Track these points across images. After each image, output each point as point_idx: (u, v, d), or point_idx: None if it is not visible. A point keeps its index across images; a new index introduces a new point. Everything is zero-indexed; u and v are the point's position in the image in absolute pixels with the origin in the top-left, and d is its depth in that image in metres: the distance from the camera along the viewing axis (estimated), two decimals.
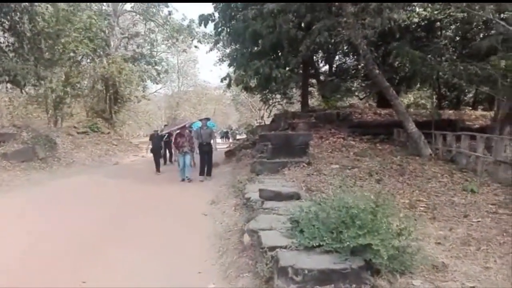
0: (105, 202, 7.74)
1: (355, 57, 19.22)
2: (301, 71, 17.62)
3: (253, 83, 15.12)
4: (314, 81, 20.54)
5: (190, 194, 8.80)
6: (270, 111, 30.94)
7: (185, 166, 10.59)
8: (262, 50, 13.48)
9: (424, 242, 4.09)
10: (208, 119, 11.54)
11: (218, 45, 22.57)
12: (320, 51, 18.18)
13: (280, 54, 13.95)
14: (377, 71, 10.50)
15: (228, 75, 14.24)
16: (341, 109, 15.78)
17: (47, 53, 18.70)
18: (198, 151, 10.95)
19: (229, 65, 16.15)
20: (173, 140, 11.55)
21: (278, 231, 3.88)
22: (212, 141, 10.95)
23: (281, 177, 8.28)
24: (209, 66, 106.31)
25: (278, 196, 5.57)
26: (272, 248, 3.46)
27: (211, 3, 14.60)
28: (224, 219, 5.90)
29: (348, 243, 3.11)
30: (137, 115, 34.61)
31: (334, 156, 9.99)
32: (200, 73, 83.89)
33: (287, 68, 13.92)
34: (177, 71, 45.68)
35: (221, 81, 14.21)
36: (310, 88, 20.17)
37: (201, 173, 10.72)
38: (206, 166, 10.84)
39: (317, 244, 3.32)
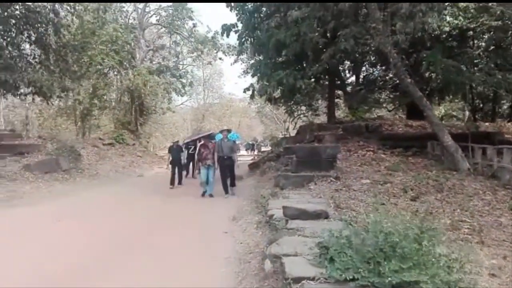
0: (121, 218, 7.34)
1: (383, 67, 18.59)
2: (326, 82, 17.14)
3: (277, 94, 14.72)
4: (340, 92, 19.93)
5: (210, 209, 8.35)
6: (295, 123, 30.42)
7: (208, 181, 9.81)
8: (286, 60, 13.11)
9: (477, 273, 3.49)
10: (229, 130, 10.90)
11: (242, 56, 22.45)
12: (346, 61, 17.66)
13: (304, 64, 13.50)
14: (409, 80, 9.88)
15: (251, 85, 13.88)
16: (369, 121, 15.10)
17: (74, 66, 19.03)
18: (218, 166, 10.06)
19: (253, 75, 15.81)
20: (196, 152, 11.11)
21: (305, 258, 3.39)
22: (234, 155, 10.12)
23: (306, 192, 7.77)
24: (234, 79, 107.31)
25: (303, 215, 5.08)
26: (298, 280, 2.98)
27: (235, 15, 14.39)
28: (245, 238, 5.43)
29: (389, 278, 2.59)
30: (163, 127, 34.91)
31: (364, 170, 9.39)
32: (225, 85, 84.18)
33: (312, 79, 13.43)
34: (202, 84, 46.06)
35: (244, 91, 13.88)
36: (336, 100, 19.55)
37: (226, 190, 9.91)
38: (229, 181, 10.06)
39: (350, 277, 2.80)
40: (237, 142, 12.19)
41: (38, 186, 11.01)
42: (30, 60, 15.53)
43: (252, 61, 18.95)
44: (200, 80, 44.78)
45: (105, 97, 24.28)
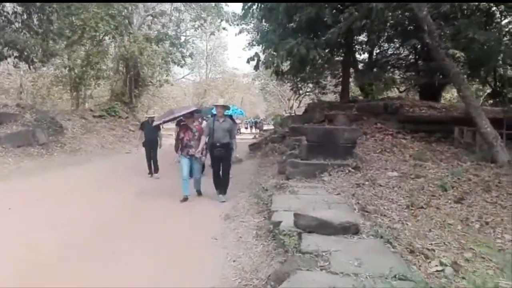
0: (81, 214, 5.62)
1: (402, 42, 16.82)
2: (336, 58, 15.41)
3: (285, 66, 12.98)
4: (351, 70, 18.18)
5: (197, 204, 6.58)
6: (300, 101, 28.83)
7: (189, 177, 6.85)
8: (298, 26, 11.25)
9: None
10: (226, 107, 7.24)
11: (247, 27, 20.66)
12: (360, 35, 15.86)
13: (319, 32, 11.66)
14: (449, 51, 8.19)
15: (256, 54, 11.96)
16: (388, 101, 13.39)
17: (67, 31, 17.28)
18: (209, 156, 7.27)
19: (258, 43, 13.94)
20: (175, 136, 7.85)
21: None
22: (232, 141, 6.86)
23: (320, 185, 6.26)
24: (238, 52, 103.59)
25: (323, 227, 3.55)
26: None
27: None
28: (240, 253, 3.91)
29: None
30: (162, 100, 33.33)
31: (386, 158, 7.84)
32: (229, 59, 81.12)
33: (327, 49, 11.67)
34: (205, 57, 44.07)
35: (248, 61, 11.98)
36: None
37: (217, 188, 6.88)
38: (222, 179, 6.88)
39: None
40: (238, 121, 10.27)
41: (5, 161, 9.53)
42: (11, 18, 13.80)
43: (257, 30, 17.16)
44: (202, 53, 42.80)
45: (98, 65, 22.53)
